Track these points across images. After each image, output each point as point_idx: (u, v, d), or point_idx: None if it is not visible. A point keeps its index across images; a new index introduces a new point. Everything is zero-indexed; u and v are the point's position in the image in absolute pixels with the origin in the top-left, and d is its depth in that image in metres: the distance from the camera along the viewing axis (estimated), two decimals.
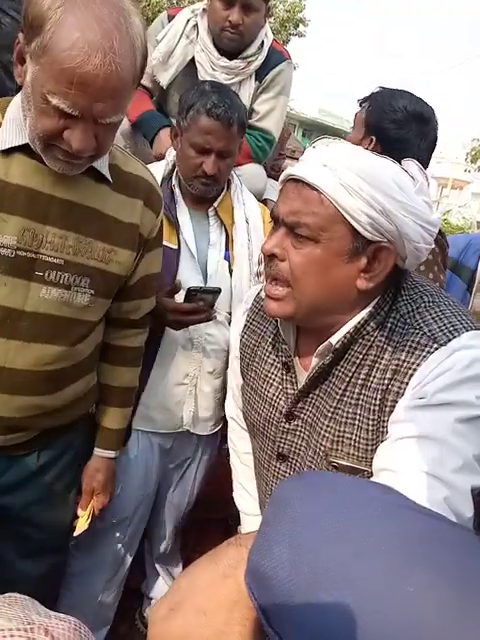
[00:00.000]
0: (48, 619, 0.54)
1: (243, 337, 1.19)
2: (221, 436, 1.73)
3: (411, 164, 0.96)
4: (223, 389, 1.62)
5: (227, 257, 1.62)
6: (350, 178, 0.88)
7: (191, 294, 1.40)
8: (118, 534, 1.65)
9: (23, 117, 0.98)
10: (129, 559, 1.75)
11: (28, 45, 0.90)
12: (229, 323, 1.60)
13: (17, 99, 1.03)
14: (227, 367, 1.58)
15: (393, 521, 0.45)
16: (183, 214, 1.61)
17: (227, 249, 1.62)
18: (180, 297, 1.45)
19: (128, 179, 1.16)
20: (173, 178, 1.62)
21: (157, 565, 1.93)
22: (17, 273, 1.04)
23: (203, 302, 1.42)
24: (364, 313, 0.96)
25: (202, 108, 1.47)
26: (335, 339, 0.97)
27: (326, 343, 0.98)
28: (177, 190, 1.62)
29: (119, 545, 1.67)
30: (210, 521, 2.02)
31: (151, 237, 1.24)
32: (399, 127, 1.56)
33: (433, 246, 0.95)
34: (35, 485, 1.25)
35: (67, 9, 0.85)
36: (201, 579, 0.53)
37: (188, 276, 1.56)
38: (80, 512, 1.40)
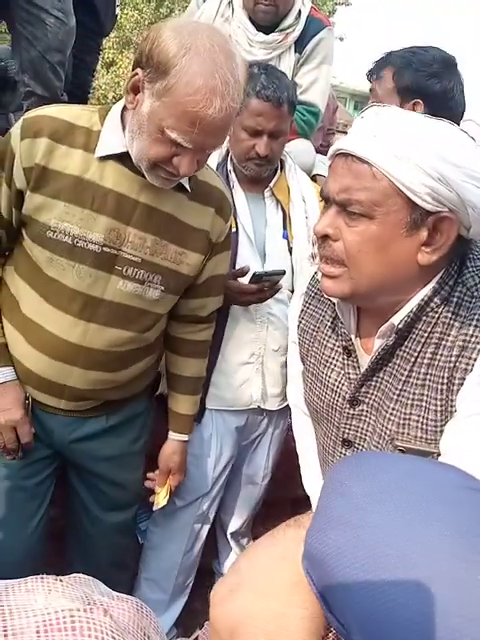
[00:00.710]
0: (109, 599, 0.55)
1: (301, 322, 1.16)
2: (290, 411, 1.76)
3: (471, 124, 0.90)
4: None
5: (285, 236, 1.62)
6: (403, 146, 0.82)
7: (256, 278, 1.46)
8: (194, 510, 1.71)
9: (130, 138, 1.09)
10: (204, 535, 1.81)
11: (150, 83, 1.02)
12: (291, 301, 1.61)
13: (116, 110, 1.16)
14: None
15: (457, 503, 0.43)
16: (239, 197, 1.62)
17: (285, 228, 1.62)
18: (245, 279, 1.51)
19: (203, 188, 1.28)
20: (228, 163, 1.64)
21: (231, 541, 1.97)
22: (100, 266, 1.19)
23: (268, 283, 1.49)
24: (427, 289, 0.91)
25: (251, 91, 1.47)
26: (398, 318, 0.93)
27: (388, 323, 0.94)
28: (232, 175, 1.63)
29: (194, 521, 1.74)
30: (278, 501, 2.03)
31: (219, 241, 1.35)
32: (440, 79, 1.49)
33: None
34: (105, 443, 1.41)
35: (192, 58, 0.97)
36: (260, 560, 0.53)
37: (247, 258, 1.57)
38: (157, 489, 1.53)
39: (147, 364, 1.41)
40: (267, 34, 1.92)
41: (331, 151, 0.92)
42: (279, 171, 1.67)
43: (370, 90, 1.65)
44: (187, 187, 1.23)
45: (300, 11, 1.95)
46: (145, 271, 1.22)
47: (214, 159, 1.64)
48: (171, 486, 1.54)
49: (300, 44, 1.99)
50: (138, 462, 1.53)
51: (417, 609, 0.38)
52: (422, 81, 1.49)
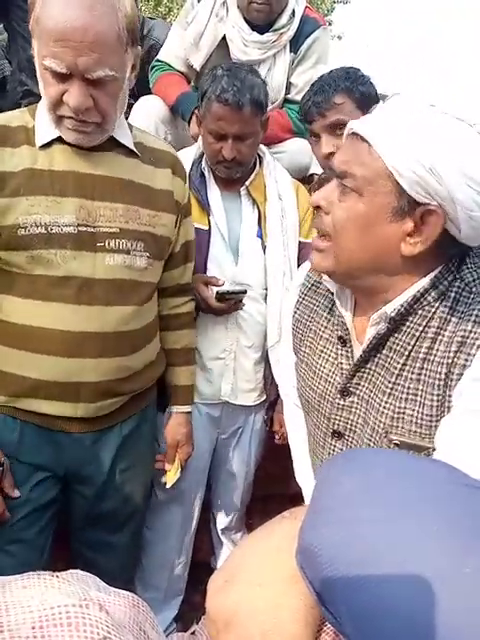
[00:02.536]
0: (106, 595, 0.56)
1: (296, 312, 1.17)
2: (268, 406, 1.78)
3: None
4: (263, 362, 1.69)
5: (259, 234, 1.62)
6: (402, 130, 0.83)
7: (220, 296, 1.51)
8: (176, 506, 1.72)
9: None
10: (192, 530, 1.82)
11: (33, 29, 1.03)
12: (264, 299, 1.63)
13: (42, 100, 1.14)
14: (265, 341, 1.64)
15: (447, 498, 0.44)
16: (214, 195, 1.62)
17: (260, 227, 1.62)
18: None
19: (154, 153, 1.30)
20: (203, 161, 1.63)
21: (223, 537, 1.99)
22: (83, 246, 1.17)
23: (232, 300, 1.54)
24: (424, 282, 0.91)
25: (213, 94, 1.46)
26: (391, 307, 0.93)
27: (381, 311, 0.95)
28: (208, 172, 1.63)
29: (181, 517, 1.75)
30: (274, 496, 2.04)
31: (185, 203, 1.38)
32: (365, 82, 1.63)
33: None
34: (122, 455, 1.37)
35: None
36: (256, 552, 0.54)
37: (219, 257, 1.58)
38: (167, 466, 1.55)
39: (154, 348, 1.41)
40: (262, 34, 1.93)
41: (346, 131, 0.93)
42: (257, 168, 1.66)
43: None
44: (134, 150, 1.24)
45: (294, 11, 1.95)
46: (127, 239, 1.22)
47: (190, 157, 1.64)
48: (181, 460, 1.55)
49: (295, 44, 1.99)
50: (147, 472, 1.51)
51: (408, 603, 0.39)
52: (363, 88, 1.59)
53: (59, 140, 1.15)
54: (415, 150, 0.81)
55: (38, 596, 0.52)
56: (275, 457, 1.85)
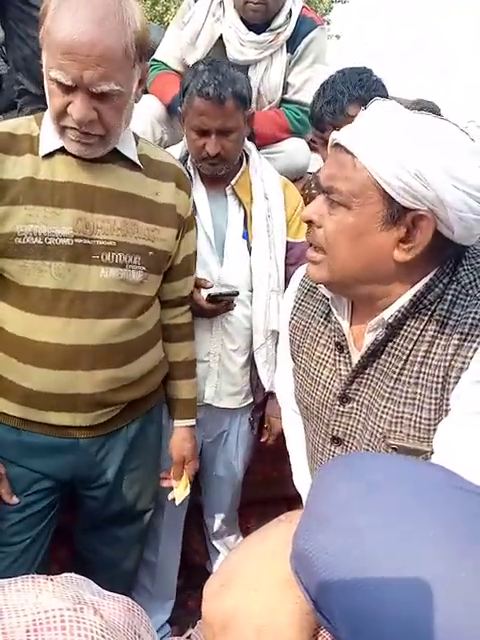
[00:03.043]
0: (100, 599, 0.55)
1: (292, 319, 1.16)
2: (253, 408, 1.75)
3: (472, 126, 0.89)
4: (249, 365, 1.66)
5: (245, 235, 1.59)
6: (383, 138, 0.83)
7: (211, 298, 1.50)
8: (162, 509, 1.69)
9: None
10: (179, 533, 1.81)
11: (42, 40, 1.04)
12: (250, 302, 1.61)
13: (49, 109, 1.16)
14: (251, 344, 1.62)
15: (443, 503, 0.44)
16: (200, 195, 1.59)
17: (246, 227, 1.59)
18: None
19: (158, 166, 1.29)
20: (188, 160, 1.60)
21: (215, 542, 1.97)
22: (77, 259, 1.17)
23: (223, 302, 1.53)
24: (419, 286, 0.91)
25: (194, 89, 1.44)
26: (388, 313, 0.93)
27: (378, 318, 0.94)
28: (194, 171, 1.60)
29: (164, 519, 1.72)
30: (272, 500, 2.03)
31: (188, 216, 1.37)
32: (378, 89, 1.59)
33: None
34: (129, 457, 1.38)
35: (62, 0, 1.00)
36: (252, 556, 0.54)
37: (205, 258, 1.56)
38: (174, 483, 1.52)
39: (155, 355, 1.39)
40: (258, 34, 1.92)
41: (330, 141, 0.93)
42: (244, 165, 1.63)
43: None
44: (139, 163, 1.23)
45: (291, 10, 1.94)
46: (123, 253, 1.21)
47: (175, 156, 1.60)
48: (189, 476, 1.53)
49: (292, 44, 1.98)
50: (155, 470, 1.51)
51: (405, 608, 0.39)
52: (376, 94, 1.53)
53: (62, 150, 1.15)
54: (399, 157, 0.81)
55: (32, 599, 0.52)
56: (272, 460, 1.85)
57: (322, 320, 1.09)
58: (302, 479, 1.28)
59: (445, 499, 0.44)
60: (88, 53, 0.99)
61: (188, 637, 0.72)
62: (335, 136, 0.89)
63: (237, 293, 1.53)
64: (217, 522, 1.91)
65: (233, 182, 1.60)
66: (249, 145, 1.66)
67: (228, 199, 1.61)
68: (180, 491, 1.52)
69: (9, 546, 1.26)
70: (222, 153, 1.50)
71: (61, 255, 1.15)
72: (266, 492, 1.97)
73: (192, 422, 1.53)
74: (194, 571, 1.91)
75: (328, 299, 1.06)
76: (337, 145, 0.89)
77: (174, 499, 1.52)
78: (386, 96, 1.63)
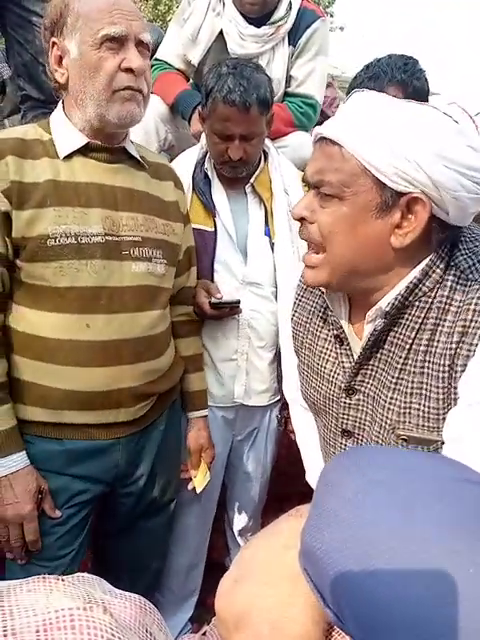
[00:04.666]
0: (111, 597, 0.55)
1: (294, 315, 1.16)
2: (282, 405, 1.76)
3: (454, 106, 0.89)
4: (276, 361, 1.65)
5: (267, 233, 1.59)
6: (370, 125, 0.83)
7: (214, 305, 1.52)
8: (190, 507, 1.71)
9: (81, 104, 1.17)
10: (207, 533, 1.82)
11: (63, 37, 1.15)
12: (274, 297, 1.61)
13: (56, 114, 1.24)
14: (277, 340, 1.61)
15: (451, 497, 0.43)
16: (220, 195, 1.59)
17: (267, 225, 1.59)
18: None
19: (157, 167, 1.37)
20: (206, 161, 1.61)
21: (238, 538, 1.97)
22: (110, 256, 1.20)
23: (226, 308, 1.54)
24: (416, 272, 0.90)
25: (218, 94, 1.44)
26: (385, 302, 0.92)
27: (376, 307, 0.93)
28: (212, 172, 1.61)
29: (194, 518, 1.73)
30: (289, 496, 2.03)
31: (187, 211, 1.47)
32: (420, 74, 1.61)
33: None
34: (162, 450, 1.42)
35: None
36: (263, 551, 0.53)
37: (227, 258, 1.56)
38: (193, 473, 1.57)
39: (173, 350, 1.45)
40: (259, 27, 1.91)
41: (313, 137, 0.93)
42: (262, 163, 1.63)
43: None
44: (144, 163, 1.31)
45: (291, 3, 1.92)
46: (148, 248, 1.26)
47: (193, 157, 1.62)
48: (208, 464, 1.57)
49: (294, 36, 1.97)
50: (179, 459, 1.55)
51: (411, 603, 0.38)
52: (418, 83, 1.52)
53: (79, 152, 1.21)
54: (388, 142, 0.81)
55: (43, 600, 0.52)
56: (290, 456, 1.84)
57: (321, 314, 1.08)
58: (315, 475, 1.28)
59: (453, 493, 0.43)
60: (130, 9, 1.16)
61: (204, 634, 0.72)
62: (319, 130, 0.89)
63: (239, 303, 1.54)
64: (242, 519, 1.92)
65: (252, 180, 1.60)
66: (267, 142, 1.66)
67: (248, 197, 1.62)
68: (200, 479, 1.56)
69: (58, 560, 1.27)
70: (244, 157, 1.51)
71: (95, 253, 1.18)
72: (283, 488, 1.96)
73: (205, 412, 1.58)
74: (213, 568, 1.91)
75: (322, 292, 1.05)
76: (322, 139, 0.89)
77: (194, 488, 1.55)
78: (427, 89, 1.61)
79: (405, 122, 0.82)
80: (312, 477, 1.30)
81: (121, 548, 1.49)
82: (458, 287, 0.88)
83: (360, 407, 1.02)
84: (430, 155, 0.80)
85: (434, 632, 0.36)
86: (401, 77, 1.53)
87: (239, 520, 1.93)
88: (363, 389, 1.01)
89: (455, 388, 0.87)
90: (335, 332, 1.04)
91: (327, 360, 1.06)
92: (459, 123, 0.84)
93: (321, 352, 1.07)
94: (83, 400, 1.21)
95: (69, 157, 1.19)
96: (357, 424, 1.04)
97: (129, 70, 1.14)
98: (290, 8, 1.92)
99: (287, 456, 1.87)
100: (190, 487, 1.56)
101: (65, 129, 1.21)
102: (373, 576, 0.39)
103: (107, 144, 1.23)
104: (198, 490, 1.56)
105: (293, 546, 0.50)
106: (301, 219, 0.94)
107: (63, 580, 0.56)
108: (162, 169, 1.38)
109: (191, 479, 1.57)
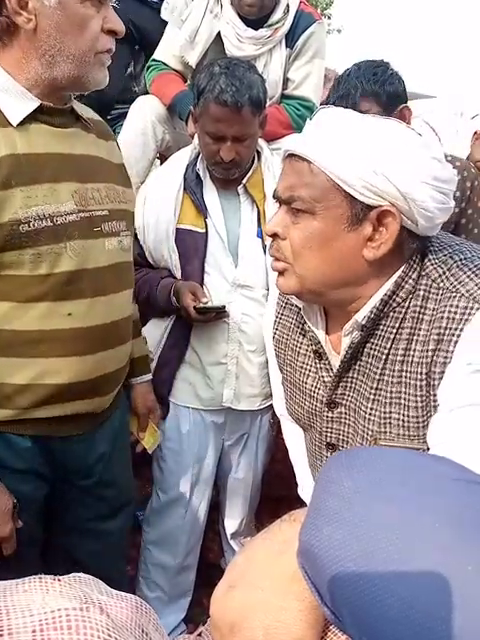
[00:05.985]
0: (108, 598, 0.55)
1: (275, 332, 1.17)
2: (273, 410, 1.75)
3: (419, 121, 0.91)
4: (267, 366, 1.61)
5: (260, 234, 1.58)
6: (337, 140, 0.84)
7: (199, 310, 1.50)
8: (179, 509, 1.71)
9: (49, 63, 1.00)
10: (199, 532, 1.81)
11: None
12: (266, 300, 1.59)
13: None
14: None
15: (447, 494, 0.43)
16: (211, 196, 1.58)
17: (260, 226, 1.58)
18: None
19: (96, 125, 1.21)
20: (199, 162, 1.60)
21: (232, 542, 1.97)
22: (86, 234, 1.09)
23: (212, 313, 1.52)
24: (389, 284, 0.91)
25: (210, 94, 1.42)
26: (361, 315, 0.93)
27: (352, 320, 0.94)
28: (204, 173, 1.60)
29: (182, 520, 1.73)
30: (284, 498, 2.03)
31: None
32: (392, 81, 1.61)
33: (451, 205, 0.87)
34: (117, 447, 1.34)
35: None
36: (257, 556, 0.54)
37: (218, 259, 1.56)
38: (141, 434, 1.55)
39: None
40: (256, 30, 1.91)
41: (282, 154, 0.94)
42: (255, 163, 1.62)
43: None
44: (90, 124, 1.17)
45: (288, 6, 1.94)
46: (115, 221, 1.16)
47: (186, 158, 1.61)
48: (156, 423, 1.56)
49: (291, 39, 1.97)
50: (128, 457, 1.47)
51: (410, 601, 0.38)
52: (391, 88, 1.53)
53: (32, 117, 1.04)
54: (355, 156, 0.83)
55: (39, 600, 0.52)
56: (285, 459, 1.84)
57: (299, 330, 1.09)
58: (307, 489, 1.28)
59: (450, 491, 0.43)
60: None
61: (199, 635, 0.72)
62: (287, 147, 0.91)
63: (224, 308, 1.52)
64: (235, 523, 1.92)
65: (245, 180, 1.59)
66: (261, 142, 1.66)
67: (240, 198, 1.60)
68: (149, 439, 1.54)
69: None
70: (236, 158, 1.49)
71: (72, 233, 1.06)
72: (278, 491, 1.97)
73: (149, 376, 1.55)
74: (209, 569, 1.91)
75: (300, 308, 1.06)
76: (291, 155, 0.90)
77: (145, 449, 1.54)
78: (403, 90, 1.61)
79: (371, 136, 0.84)
80: (305, 491, 1.30)
81: (79, 548, 1.38)
82: (430, 296, 0.89)
83: (342, 420, 1.03)
84: (397, 168, 0.81)
85: (432, 630, 0.36)
86: (372, 89, 1.54)
87: (231, 523, 1.93)
88: (344, 402, 1.02)
89: (434, 396, 0.88)
90: (314, 347, 1.04)
91: (308, 375, 1.07)
92: (422, 136, 0.87)
93: (302, 368, 1.08)
94: (69, 392, 1.13)
95: (22, 123, 1.02)
96: (341, 437, 1.05)
97: (112, 32, 1.04)
98: (287, 11, 1.93)
99: (282, 458, 1.87)
100: (139, 449, 1.54)
101: (10, 91, 1.01)
102: (371, 574, 0.40)
103: (60, 105, 1.08)
104: (150, 451, 1.55)
105: (286, 551, 0.50)
106: (273, 235, 0.94)
107: (59, 580, 0.56)
108: (101, 127, 1.23)
109: (140, 442, 1.55)
